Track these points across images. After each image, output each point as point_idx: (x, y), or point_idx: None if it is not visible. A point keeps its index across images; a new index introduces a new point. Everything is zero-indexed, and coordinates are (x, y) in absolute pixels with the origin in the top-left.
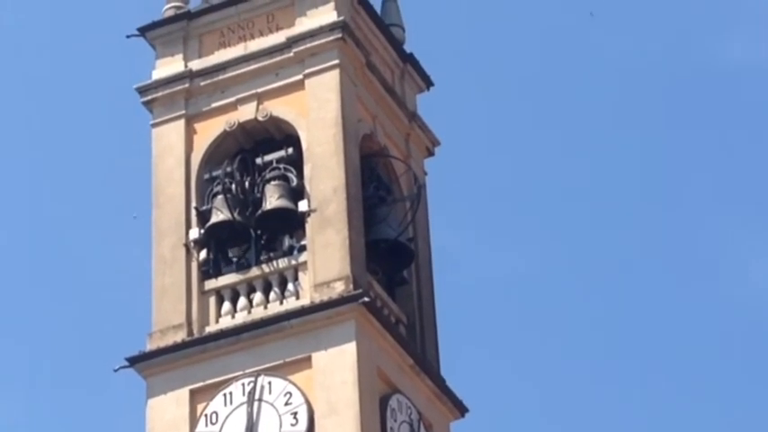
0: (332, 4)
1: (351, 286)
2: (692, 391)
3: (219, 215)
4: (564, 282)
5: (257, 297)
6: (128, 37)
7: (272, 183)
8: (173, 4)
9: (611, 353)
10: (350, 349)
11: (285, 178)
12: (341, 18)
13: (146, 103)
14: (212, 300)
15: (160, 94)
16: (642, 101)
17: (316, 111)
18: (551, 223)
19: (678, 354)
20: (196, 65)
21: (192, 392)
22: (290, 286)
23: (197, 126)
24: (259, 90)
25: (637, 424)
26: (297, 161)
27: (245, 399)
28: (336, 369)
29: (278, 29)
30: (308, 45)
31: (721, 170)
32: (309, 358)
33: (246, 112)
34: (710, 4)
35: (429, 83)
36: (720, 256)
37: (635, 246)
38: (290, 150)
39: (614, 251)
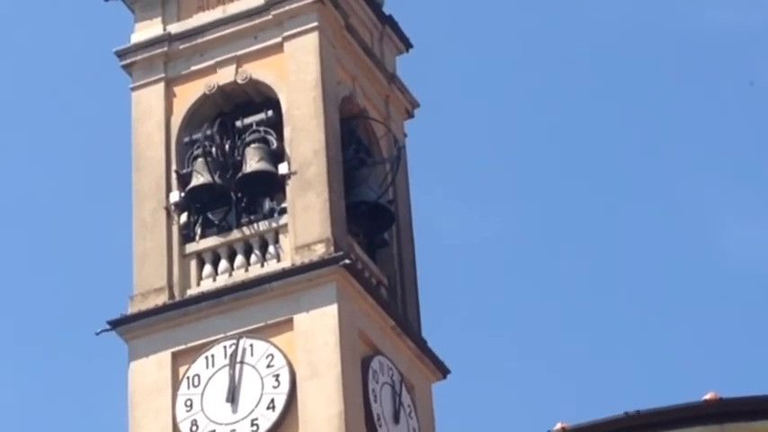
0: None
1: (332, 248)
2: (683, 342)
3: (200, 178)
4: (544, 243)
5: (238, 260)
6: (106, 0)
7: (253, 145)
8: None
9: (591, 314)
10: (331, 311)
11: (265, 141)
12: None
13: (125, 67)
14: (193, 263)
15: (139, 57)
16: (628, 63)
17: (295, 73)
18: (530, 185)
19: (664, 316)
20: (175, 28)
21: (174, 355)
22: (271, 249)
23: (176, 89)
24: (238, 53)
25: (624, 381)
26: (277, 124)
27: (227, 361)
28: (318, 331)
29: None
30: (287, 8)
31: (702, 135)
32: (291, 320)
33: (226, 75)
34: None
35: (408, 44)
36: (698, 216)
37: (615, 207)
38: (270, 113)
39: (595, 214)
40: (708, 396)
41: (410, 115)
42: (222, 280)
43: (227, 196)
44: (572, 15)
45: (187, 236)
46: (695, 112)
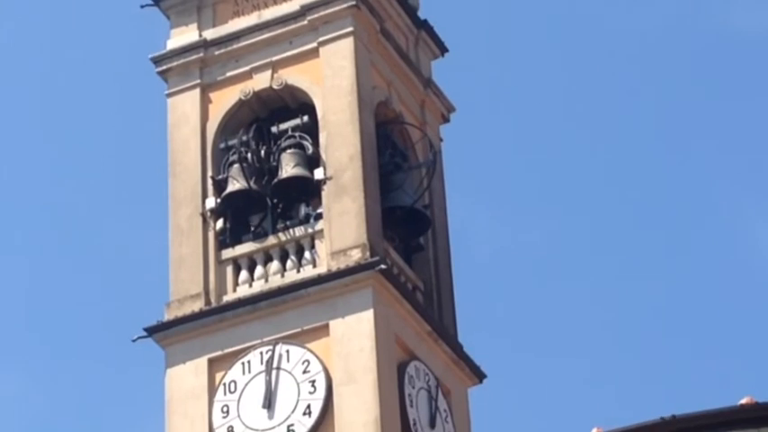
0: None
1: (367, 254)
2: (719, 346)
3: (236, 184)
4: (578, 249)
5: (274, 266)
6: (142, 7)
7: (288, 151)
8: None
9: (625, 320)
10: (367, 316)
11: (301, 146)
12: None
13: (161, 73)
14: (229, 269)
15: (175, 63)
16: (654, 69)
17: (330, 78)
18: (566, 192)
19: (693, 326)
20: (210, 34)
21: (211, 361)
22: (307, 254)
23: (212, 95)
24: (274, 58)
25: (660, 386)
26: (312, 129)
27: (263, 367)
28: (354, 336)
29: None
30: (322, 13)
31: (730, 138)
32: (327, 326)
33: (261, 81)
34: None
35: (443, 49)
36: (731, 223)
37: (650, 219)
38: (306, 118)
39: (630, 221)
40: (744, 400)
41: (446, 120)
42: (258, 286)
43: (263, 202)
44: (607, 22)
45: (223, 242)
46: (729, 117)
